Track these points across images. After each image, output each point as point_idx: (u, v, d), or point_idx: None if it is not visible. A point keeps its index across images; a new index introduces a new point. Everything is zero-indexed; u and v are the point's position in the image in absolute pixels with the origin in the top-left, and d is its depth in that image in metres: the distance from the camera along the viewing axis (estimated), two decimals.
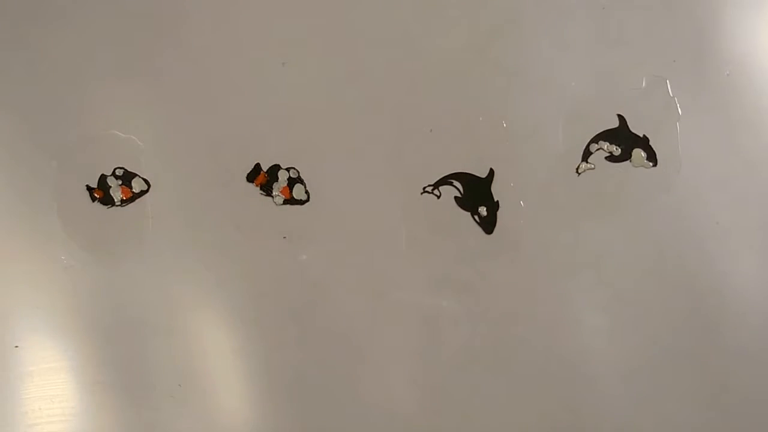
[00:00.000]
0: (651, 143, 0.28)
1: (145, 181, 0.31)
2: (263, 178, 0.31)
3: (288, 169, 0.31)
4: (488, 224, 0.30)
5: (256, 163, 0.31)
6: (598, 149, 0.29)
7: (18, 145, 0.31)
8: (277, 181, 0.30)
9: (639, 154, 0.29)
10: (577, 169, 0.30)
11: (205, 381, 0.29)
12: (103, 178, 0.31)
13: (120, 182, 0.31)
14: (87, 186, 0.31)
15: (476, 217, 0.30)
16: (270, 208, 0.30)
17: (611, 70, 0.28)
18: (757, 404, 0.28)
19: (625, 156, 0.29)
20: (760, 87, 0.28)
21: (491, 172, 0.30)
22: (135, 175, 0.31)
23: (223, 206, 0.30)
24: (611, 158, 0.30)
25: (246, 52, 0.31)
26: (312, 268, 0.30)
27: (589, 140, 0.29)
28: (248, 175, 0.31)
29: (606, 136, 0.29)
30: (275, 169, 0.31)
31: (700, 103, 0.28)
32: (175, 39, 0.32)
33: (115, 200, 0.31)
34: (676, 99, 0.28)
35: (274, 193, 0.30)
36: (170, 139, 0.31)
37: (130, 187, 0.31)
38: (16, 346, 0.30)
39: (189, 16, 0.32)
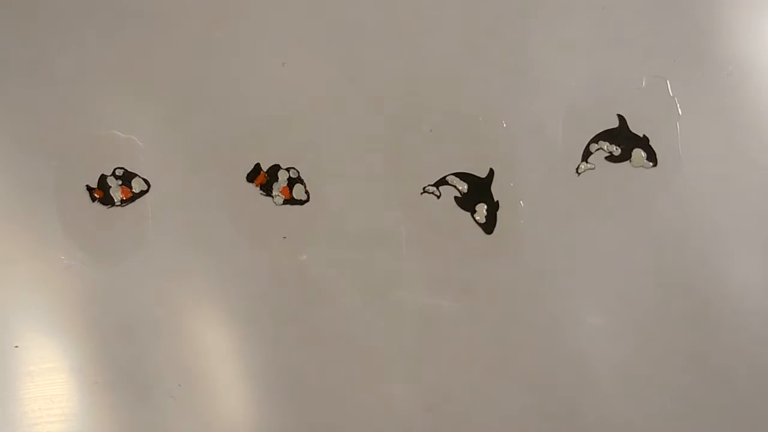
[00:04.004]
0: (651, 143, 0.28)
1: (145, 181, 0.31)
2: (263, 178, 0.31)
3: (288, 169, 0.31)
4: (488, 224, 0.30)
5: (256, 163, 0.31)
6: (598, 149, 0.29)
7: (18, 145, 0.31)
8: (277, 181, 0.30)
9: (639, 154, 0.29)
10: (577, 169, 0.30)
11: (205, 381, 0.29)
12: (103, 178, 0.31)
13: (120, 182, 0.31)
14: (87, 186, 0.31)
15: (476, 217, 0.30)
16: (270, 208, 0.30)
17: (611, 70, 0.28)
18: (757, 404, 0.28)
19: (625, 156, 0.29)
20: (760, 87, 0.28)
21: (491, 172, 0.30)
22: (135, 175, 0.31)
23: (223, 206, 0.30)
24: (611, 158, 0.30)
25: (246, 52, 0.31)
26: (312, 268, 0.30)
27: (589, 140, 0.29)
28: (248, 175, 0.31)
29: (606, 136, 0.29)
30: (275, 169, 0.31)
31: (700, 102, 0.28)
32: (176, 39, 0.32)
33: (115, 200, 0.31)
34: (676, 99, 0.28)
35: (274, 193, 0.30)
36: (170, 139, 0.31)
37: (130, 187, 0.31)
38: (16, 346, 0.30)
39: (189, 16, 0.32)
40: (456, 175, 0.30)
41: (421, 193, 0.30)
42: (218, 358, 0.29)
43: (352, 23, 0.31)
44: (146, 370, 0.29)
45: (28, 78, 0.32)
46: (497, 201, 0.30)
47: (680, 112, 0.28)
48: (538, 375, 0.28)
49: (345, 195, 0.30)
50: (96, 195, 0.31)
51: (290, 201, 0.30)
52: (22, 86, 0.32)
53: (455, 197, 0.30)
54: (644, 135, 0.29)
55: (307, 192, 0.30)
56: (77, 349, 0.29)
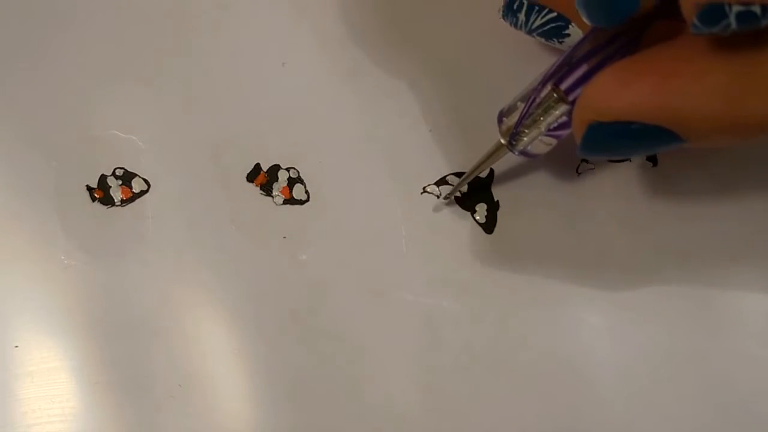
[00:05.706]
0: None
1: (145, 181, 0.31)
2: (263, 178, 0.31)
3: (288, 169, 0.31)
4: (488, 224, 0.30)
5: (256, 163, 0.31)
6: None
7: (18, 145, 0.31)
8: (277, 181, 0.30)
9: None
10: (577, 169, 0.30)
11: (205, 381, 0.29)
12: (103, 178, 0.31)
13: (120, 182, 0.31)
14: (87, 186, 0.31)
15: (476, 217, 0.30)
16: (270, 208, 0.30)
17: None
18: (757, 404, 0.28)
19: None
20: None
21: (491, 172, 0.30)
22: (135, 175, 0.31)
23: (223, 206, 0.30)
24: (611, 158, 0.30)
25: (246, 52, 0.31)
26: (312, 268, 0.30)
27: None
28: (248, 175, 0.31)
29: None
30: (275, 169, 0.31)
31: None
32: (176, 39, 0.32)
33: (115, 200, 0.31)
34: None
35: (274, 193, 0.30)
36: (170, 139, 0.31)
37: (130, 187, 0.31)
38: (16, 346, 0.30)
39: (189, 16, 0.32)
40: (456, 175, 0.30)
41: (421, 193, 0.30)
42: (218, 358, 0.29)
43: (352, 23, 0.31)
44: (146, 370, 0.29)
45: (28, 78, 0.32)
46: (497, 201, 0.30)
47: None
48: (538, 375, 0.28)
49: (345, 195, 0.30)
50: (96, 195, 0.31)
51: (290, 201, 0.30)
52: (22, 86, 0.32)
53: (455, 197, 0.30)
54: None
55: (307, 192, 0.30)
56: (77, 349, 0.29)
